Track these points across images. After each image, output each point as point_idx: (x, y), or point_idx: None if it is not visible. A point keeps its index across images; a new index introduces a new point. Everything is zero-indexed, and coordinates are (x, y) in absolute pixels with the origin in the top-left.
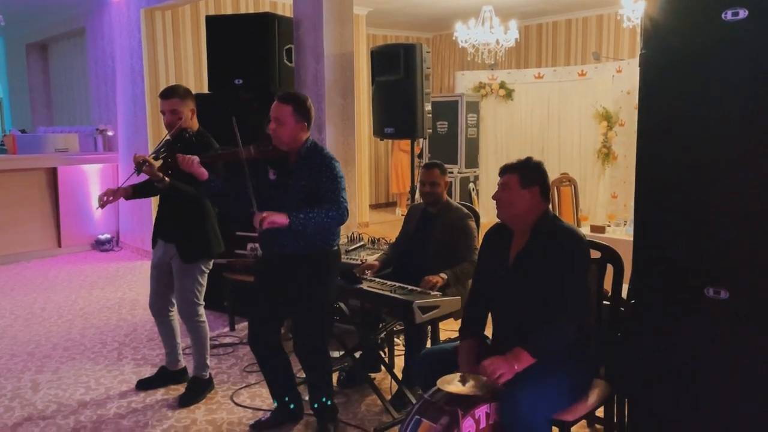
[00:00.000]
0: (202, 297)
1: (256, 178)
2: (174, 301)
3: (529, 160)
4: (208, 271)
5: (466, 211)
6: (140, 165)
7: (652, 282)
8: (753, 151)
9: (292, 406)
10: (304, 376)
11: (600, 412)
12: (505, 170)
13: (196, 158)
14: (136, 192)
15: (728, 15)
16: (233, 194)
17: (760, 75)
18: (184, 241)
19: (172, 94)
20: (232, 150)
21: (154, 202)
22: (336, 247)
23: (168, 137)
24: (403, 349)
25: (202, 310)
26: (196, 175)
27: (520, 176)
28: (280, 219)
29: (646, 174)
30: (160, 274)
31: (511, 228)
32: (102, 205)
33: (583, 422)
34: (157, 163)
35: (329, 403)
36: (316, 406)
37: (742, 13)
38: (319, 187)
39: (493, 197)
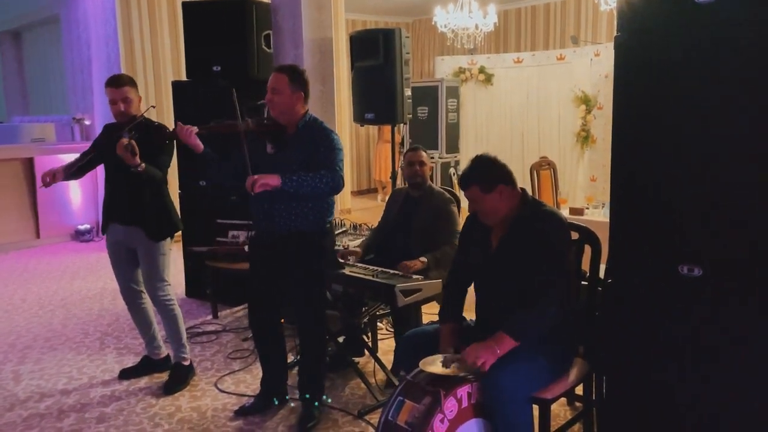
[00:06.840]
0: (168, 274)
1: (255, 153)
2: (142, 283)
3: (479, 161)
4: (170, 249)
5: (449, 195)
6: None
7: (628, 261)
8: (726, 132)
9: (278, 390)
10: (293, 360)
11: (579, 390)
12: (464, 185)
13: (194, 129)
14: (71, 174)
15: None
16: (231, 167)
17: (733, 56)
18: (150, 220)
19: (124, 82)
20: (229, 122)
21: None
22: (329, 225)
23: (137, 121)
24: (387, 332)
25: (170, 290)
26: (192, 147)
27: (480, 185)
28: (273, 180)
29: (621, 155)
30: (121, 260)
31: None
32: (46, 185)
33: (563, 400)
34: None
35: (318, 389)
36: (306, 395)
37: None
38: (317, 156)
39: (469, 211)
